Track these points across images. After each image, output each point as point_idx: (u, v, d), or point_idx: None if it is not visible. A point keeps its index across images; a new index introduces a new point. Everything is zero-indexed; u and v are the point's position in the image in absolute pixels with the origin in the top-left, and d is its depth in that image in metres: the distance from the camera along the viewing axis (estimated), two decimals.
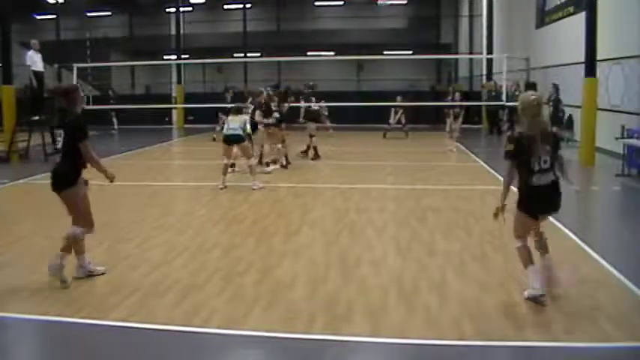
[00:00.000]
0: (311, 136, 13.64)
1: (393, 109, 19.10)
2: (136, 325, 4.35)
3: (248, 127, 10.43)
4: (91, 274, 5.38)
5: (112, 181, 5.54)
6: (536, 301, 4.62)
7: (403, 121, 18.98)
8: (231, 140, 9.99)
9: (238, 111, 10.56)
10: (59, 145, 5.28)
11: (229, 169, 10.37)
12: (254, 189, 9.72)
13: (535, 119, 4.67)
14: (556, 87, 12.29)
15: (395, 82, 28.98)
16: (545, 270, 4.82)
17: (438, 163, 13.36)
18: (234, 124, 10.00)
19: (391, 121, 19.06)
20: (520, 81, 18.07)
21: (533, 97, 4.80)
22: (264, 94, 12.39)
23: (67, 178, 5.19)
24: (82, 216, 5.26)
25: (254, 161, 10.53)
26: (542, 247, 4.95)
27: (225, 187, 9.83)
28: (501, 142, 18.05)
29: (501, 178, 10.82)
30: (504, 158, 4.89)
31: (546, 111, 13.07)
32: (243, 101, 14.02)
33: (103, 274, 5.43)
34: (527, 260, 4.80)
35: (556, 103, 12.13)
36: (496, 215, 4.83)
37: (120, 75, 35.54)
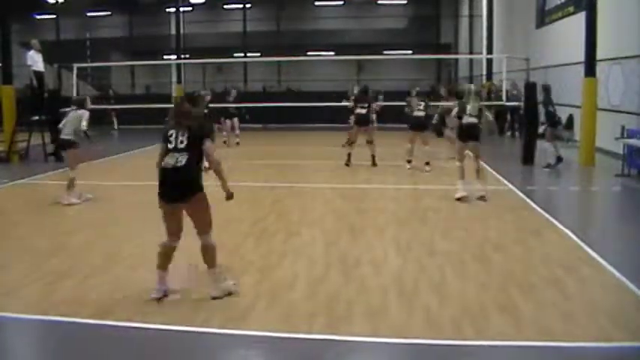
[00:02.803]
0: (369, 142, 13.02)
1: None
2: (136, 325, 4.35)
3: None
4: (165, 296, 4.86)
5: (228, 198, 4.92)
6: (461, 200, 8.48)
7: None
8: None
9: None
10: (179, 145, 4.70)
11: None
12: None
13: (466, 97, 8.92)
14: (545, 88, 12.28)
15: (395, 82, 28.96)
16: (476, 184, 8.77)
17: (438, 163, 13.34)
18: None
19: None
20: (517, 81, 18.06)
21: (467, 86, 9.21)
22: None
23: (198, 183, 4.80)
24: (210, 221, 4.85)
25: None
26: (478, 174, 8.87)
27: None
28: (502, 143, 18.12)
29: (501, 178, 10.86)
30: (454, 116, 9.04)
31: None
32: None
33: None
34: (461, 175, 8.79)
35: (546, 103, 12.13)
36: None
37: (120, 75, 35.55)
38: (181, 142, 4.69)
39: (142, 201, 9.28)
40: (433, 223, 7.53)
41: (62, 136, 8.92)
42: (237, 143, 16.80)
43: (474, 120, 8.74)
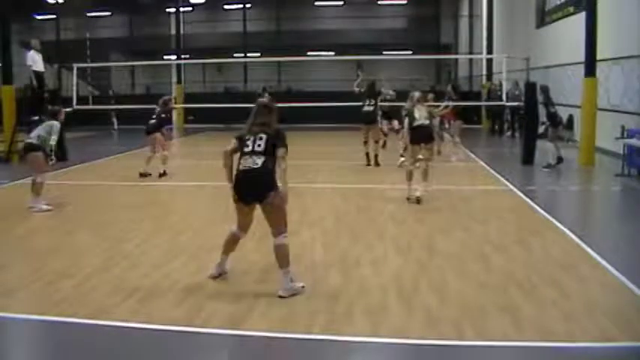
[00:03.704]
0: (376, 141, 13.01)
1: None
2: (136, 325, 4.35)
3: None
4: (220, 275, 5.35)
5: (282, 200, 5.02)
6: (409, 200, 8.65)
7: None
8: None
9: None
10: (256, 148, 4.95)
11: None
12: None
13: (409, 104, 8.97)
14: (542, 89, 12.28)
15: (395, 82, 28.95)
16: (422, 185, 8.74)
17: (438, 163, 13.35)
18: None
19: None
20: (519, 81, 18.07)
21: (414, 94, 9.04)
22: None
23: (275, 182, 4.96)
24: (285, 222, 5.03)
25: None
26: (424, 176, 8.78)
27: None
28: (502, 143, 18.14)
29: (502, 179, 10.87)
30: (403, 117, 9.23)
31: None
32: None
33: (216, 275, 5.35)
34: (408, 177, 8.84)
35: (546, 104, 12.14)
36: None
37: (120, 75, 35.53)
38: (259, 145, 4.95)
39: (141, 201, 9.29)
40: (433, 223, 7.53)
41: (27, 140, 8.65)
42: None
43: (424, 122, 8.69)
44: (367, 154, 12.54)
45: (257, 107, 5.21)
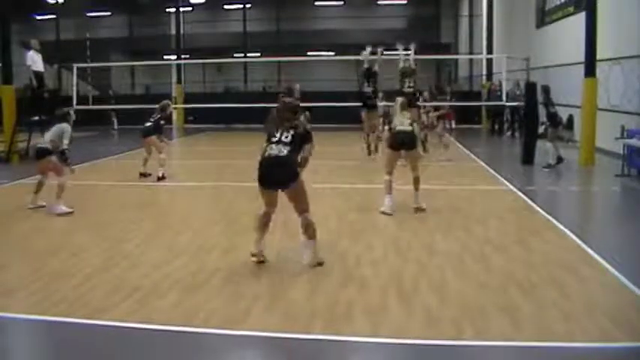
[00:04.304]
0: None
1: None
2: (136, 325, 4.35)
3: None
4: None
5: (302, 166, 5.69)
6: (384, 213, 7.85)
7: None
8: None
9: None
10: (283, 139, 5.52)
11: None
12: None
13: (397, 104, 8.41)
14: (544, 89, 12.28)
15: (395, 82, 28.95)
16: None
17: (438, 163, 13.36)
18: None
19: None
20: (520, 81, 18.08)
21: (398, 99, 8.53)
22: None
23: (297, 172, 5.54)
24: (307, 202, 5.65)
25: None
26: (416, 186, 8.16)
27: None
28: (502, 143, 18.13)
29: (501, 178, 10.87)
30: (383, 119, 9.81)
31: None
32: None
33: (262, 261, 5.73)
34: (388, 189, 7.96)
35: (546, 104, 12.15)
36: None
37: (120, 75, 35.53)
38: (286, 137, 5.53)
39: (141, 201, 9.29)
40: (433, 223, 7.53)
41: (39, 145, 8.53)
42: None
43: (405, 127, 7.99)
44: (368, 146, 12.49)
45: (283, 107, 5.74)
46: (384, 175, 8.02)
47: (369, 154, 12.60)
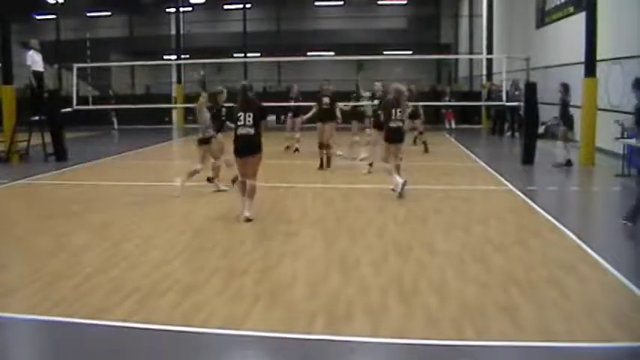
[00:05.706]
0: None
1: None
2: (136, 325, 4.35)
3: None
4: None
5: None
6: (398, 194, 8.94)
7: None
8: None
9: None
10: (246, 122, 7.46)
11: None
12: None
13: (391, 94, 9.65)
14: (565, 87, 12.25)
15: (394, 82, 28.95)
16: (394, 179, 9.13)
17: (438, 163, 13.37)
18: None
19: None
20: (520, 81, 18.06)
21: (396, 87, 9.74)
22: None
23: (261, 145, 7.55)
24: (258, 169, 7.64)
25: None
26: (397, 170, 9.33)
27: None
28: (502, 143, 18.12)
29: (501, 178, 10.87)
30: (377, 109, 10.91)
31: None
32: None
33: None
34: (390, 172, 9.24)
35: (563, 103, 12.13)
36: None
37: (120, 75, 35.54)
38: (249, 120, 7.47)
39: (141, 201, 9.29)
40: (433, 223, 7.53)
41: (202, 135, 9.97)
42: (296, 150, 15.15)
43: (399, 124, 9.34)
44: (321, 159, 12.09)
45: (243, 93, 7.70)
46: (382, 163, 9.54)
47: (321, 166, 12.08)
